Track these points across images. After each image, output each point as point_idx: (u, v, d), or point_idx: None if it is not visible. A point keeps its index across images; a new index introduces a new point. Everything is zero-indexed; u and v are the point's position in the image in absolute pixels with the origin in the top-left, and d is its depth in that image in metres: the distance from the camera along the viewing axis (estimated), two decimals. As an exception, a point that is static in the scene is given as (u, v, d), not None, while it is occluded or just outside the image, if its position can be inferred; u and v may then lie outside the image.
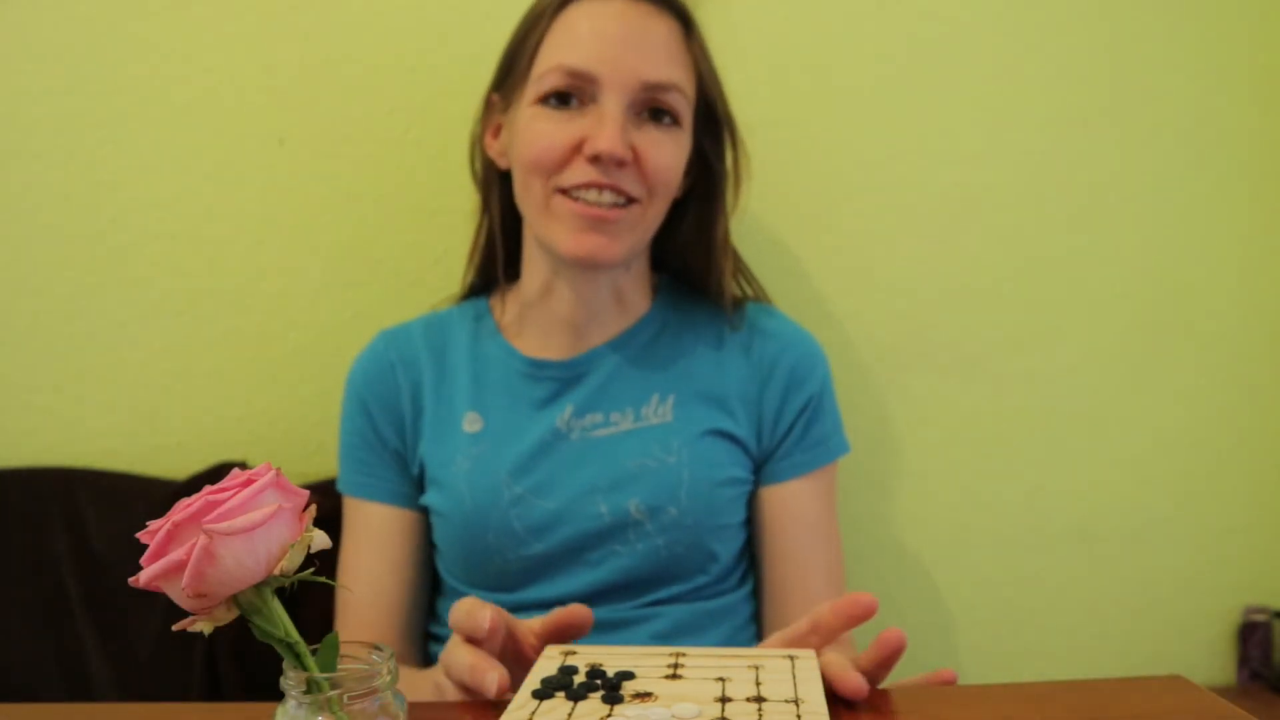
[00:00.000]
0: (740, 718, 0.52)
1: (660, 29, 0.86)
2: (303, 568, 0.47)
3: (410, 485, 0.94)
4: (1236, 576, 1.21)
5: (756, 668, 0.59)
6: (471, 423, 0.91)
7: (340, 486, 0.95)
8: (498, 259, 0.95)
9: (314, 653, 0.47)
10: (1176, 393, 1.18)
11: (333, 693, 0.45)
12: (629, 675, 0.57)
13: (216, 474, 0.86)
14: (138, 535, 0.44)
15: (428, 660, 0.95)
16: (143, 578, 0.43)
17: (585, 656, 0.61)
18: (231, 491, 0.44)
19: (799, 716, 0.52)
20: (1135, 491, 1.19)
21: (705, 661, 0.61)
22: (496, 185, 0.95)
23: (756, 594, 0.96)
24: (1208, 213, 1.17)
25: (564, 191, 0.84)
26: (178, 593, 0.44)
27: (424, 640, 0.96)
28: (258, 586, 0.45)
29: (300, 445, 1.11)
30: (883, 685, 0.62)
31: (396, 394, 0.94)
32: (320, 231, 1.10)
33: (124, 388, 1.10)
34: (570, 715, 0.53)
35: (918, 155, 1.14)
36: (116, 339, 1.09)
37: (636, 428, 0.90)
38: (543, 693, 0.56)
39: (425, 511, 0.94)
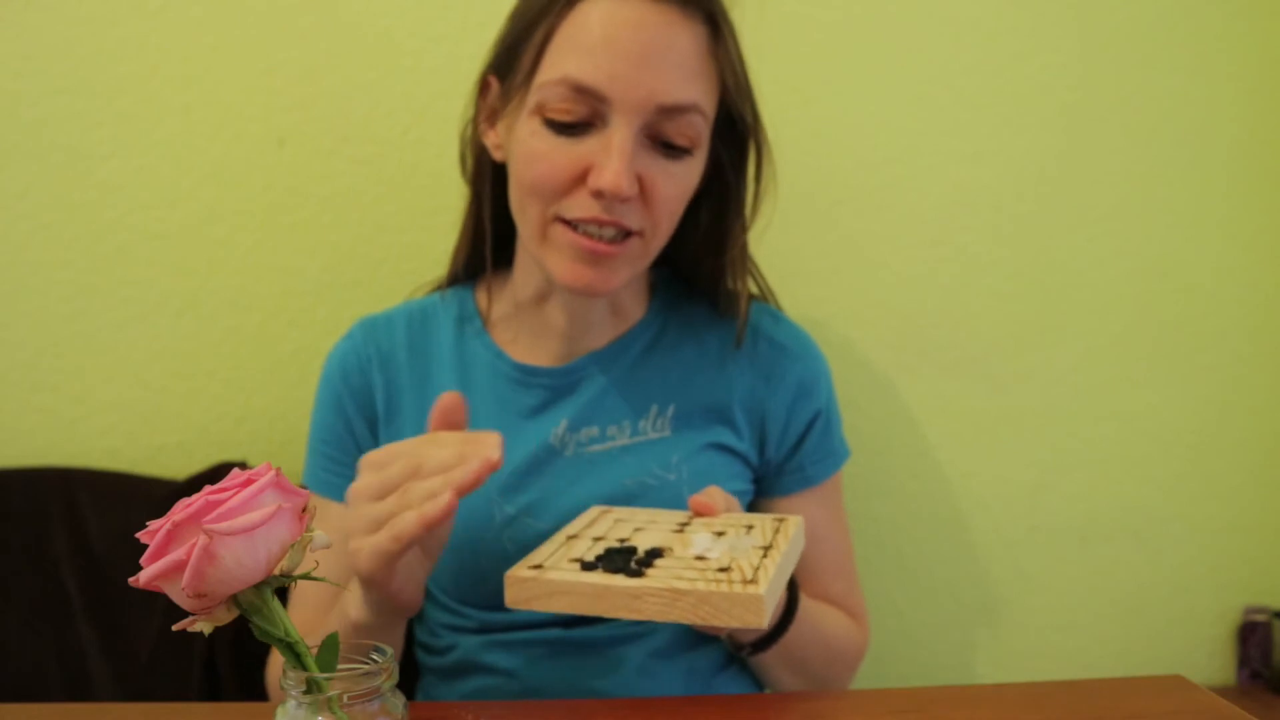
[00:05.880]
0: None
1: (684, 37, 0.75)
2: (302, 568, 0.47)
3: None
4: (1236, 576, 1.21)
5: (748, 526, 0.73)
6: None
7: (306, 481, 0.90)
8: (487, 252, 0.88)
9: (314, 653, 0.47)
10: (1176, 393, 1.18)
11: (333, 693, 0.45)
12: (632, 548, 0.66)
13: (216, 474, 0.87)
14: (138, 535, 0.44)
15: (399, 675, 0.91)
16: (143, 578, 0.43)
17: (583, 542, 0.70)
18: (231, 491, 0.44)
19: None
20: (1135, 491, 1.19)
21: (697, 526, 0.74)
22: (490, 175, 0.87)
23: None
24: (1208, 212, 1.17)
25: (563, 220, 0.77)
26: (178, 593, 0.44)
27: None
28: (258, 586, 0.45)
29: (300, 445, 1.10)
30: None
31: (371, 394, 0.88)
32: (320, 231, 1.10)
33: (124, 388, 1.10)
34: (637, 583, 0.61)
35: (918, 155, 1.13)
36: (116, 339, 1.09)
37: (634, 443, 0.85)
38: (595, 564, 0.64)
39: None
